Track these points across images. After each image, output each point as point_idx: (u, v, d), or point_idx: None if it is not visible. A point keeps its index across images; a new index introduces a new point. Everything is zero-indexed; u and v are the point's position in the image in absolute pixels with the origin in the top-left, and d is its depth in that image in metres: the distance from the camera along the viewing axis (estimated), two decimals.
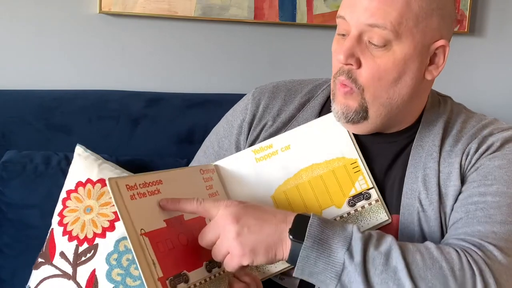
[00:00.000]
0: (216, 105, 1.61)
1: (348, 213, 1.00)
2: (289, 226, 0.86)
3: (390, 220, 1.00)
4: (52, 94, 1.60)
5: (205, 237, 0.89)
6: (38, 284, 1.21)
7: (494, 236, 0.90)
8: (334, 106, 1.01)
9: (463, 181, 0.99)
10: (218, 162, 1.04)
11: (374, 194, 1.01)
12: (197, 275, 0.88)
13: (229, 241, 0.86)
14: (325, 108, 1.11)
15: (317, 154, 1.03)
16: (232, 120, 1.15)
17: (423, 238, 0.97)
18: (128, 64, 1.73)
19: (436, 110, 1.07)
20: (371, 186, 1.01)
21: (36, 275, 1.23)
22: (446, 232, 0.97)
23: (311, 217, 0.87)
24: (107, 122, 1.57)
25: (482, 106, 1.48)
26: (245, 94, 1.19)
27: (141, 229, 0.84)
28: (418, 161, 1.02)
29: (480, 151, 1.00)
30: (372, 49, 0.94)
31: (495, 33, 1.95)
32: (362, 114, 0.98)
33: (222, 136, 1.15)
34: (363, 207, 1.00)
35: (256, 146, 1.04)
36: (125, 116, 1.58)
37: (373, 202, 1.00)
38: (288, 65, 1.82)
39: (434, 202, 0.98)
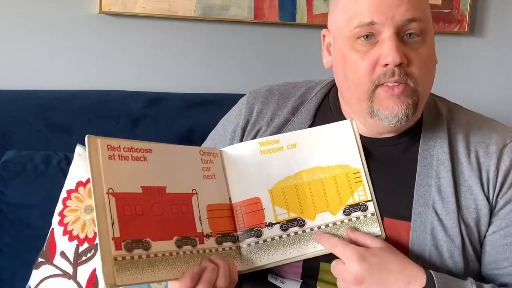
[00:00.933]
0: (216, 105, 1.61)
1: (342, 221, 1.00)
2: None
3: (383, 236, 0.99)
4: (52, 94, 1.60)
5: (334, 268, 0.95)
6: (38, 284, 1.21)
7: None
8: (385, 113, 0.96)
9: (489, 200, 0.99)
10: (224, 148, 1.05)
11: (372, 207, 1.00)
12: (162, 246, 0.88)
13: None
14: (319, 111, 1.10)
15: (322, 158, 1.03)
16: (227, 125, 1.15)
17: (436, 246, 0.97)
18: (128, 64, 1.73)
19: (434, 111, 1.06)
20: (369, 198, 1.01)
21: (36, 275, 1.23)
22: (467, 243, 0.98)
23: None
24: (107, 122, 1.57)
25: (482, 106, 1.48)
26: (245, 94, 1.19)
27: (110, 188, 0.85)
28: (429, 169, 1.01)
29: (503, 168, 0.99)
30: (412, 42, 0.95)
31: (495, 33, 1.95)
32: (415, 110, 0.97)
33: (218, 141, 1.15)
34: (358, 217, 1.00)
35: (263, 139, 1.04)
36: (125, 116, 1.58)
37: (369, 215, 1.00)
38: (288, 65, 1.82)
39: (451, 212, 0.98)
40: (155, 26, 1.73)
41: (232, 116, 1.15)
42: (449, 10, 1.87)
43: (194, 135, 1.58)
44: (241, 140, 1.11)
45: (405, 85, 0.95)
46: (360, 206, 1.00)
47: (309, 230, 0.99)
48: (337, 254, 0.95)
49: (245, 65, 1.80)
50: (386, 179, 1.03)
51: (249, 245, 0.98)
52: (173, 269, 0.88)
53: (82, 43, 1.69)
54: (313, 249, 0.99)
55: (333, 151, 1.03)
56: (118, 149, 0.89)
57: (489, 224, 0.99)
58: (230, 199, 1.00)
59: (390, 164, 1.04)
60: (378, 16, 0.93)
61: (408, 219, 0.99)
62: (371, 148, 1.04)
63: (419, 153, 1.02)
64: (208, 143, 1.18)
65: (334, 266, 0.95)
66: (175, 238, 0.90)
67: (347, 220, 1.00)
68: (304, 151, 1.03)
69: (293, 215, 1.00)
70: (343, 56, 0.98)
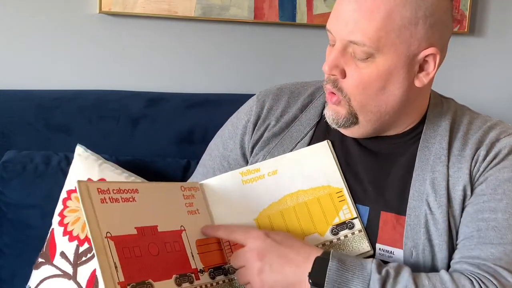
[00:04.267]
0: (216, 105, 1.61)
1: (331, 241, 1.01)
2: (309, 269, 0.89)
3: (372, 252, 1.00)
4: (52, 94, 1.60)
5: (233, 261, 0.96)
6: (38, 284, 1.21)
7: (507, 259, 0.92)
8: (326, 111, 1.05)
9: (472, 188, 1.00)
10: (204, 181, 1.04)
11: (358, 224, 1.01)
12: (164, 286, 0.88)
13: (252, 275, 0.92)
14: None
15: (303, 181, 1.04)
16: (237, 122, 1.16)
17: (429, 239, 0.98)
18: (128, 64, 1.73)
19: (439, 111, 1.07)
20: (355, 216, 1.02)
21: (36, 275, 1.23)
22: (454, 237, 0.98)
23: (330, 259, 0.89)
24: (107, 122, 1.57)
25: (482, 106, 1.48)
26: (245, 94, 1.19)
27: (107, 232, 0.85)
28: (426, 163, 1.02)
29: (488, 158, 1.01)
30: (356, 60, 0.96)
31: (495, 33, 1.95)
32: (352, 119, 1.01)
33: (227, 137, 1.16)
34: (346, 236, 1.01)
35: (243, 169, 1.05)
36: (125, 116, 1.58)
37: (356, 232, 1.01)
38: (288, 65, 1.82)
39: (442, 205, 0.99)
40: (155, 26, 1.73)
41: (242, 113, 1.16)
42: None
43: (194, 135, 1.58)
44: (252, 135, 1.13)
45: (336, 97, 1.00)
46: (347, 224, 1.01)
47: None
48: (239, 238, 0.96)
49: (245, 65, 1.80)
50: (385, 175, 1.04)
51: None
52: None
53: (82, 43, 1.69)
54: None
55: (314, 173, 1.04)
56: (108, 191, 0.89)
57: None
58: None
59: (390, 161, 1.05)
60: (331, 27, 0.97)
61: (404, 213, 1.01)
62: (371, 146, 1.06)
63: (418, 149, 1.04)
64: (216, 141, 1.19)
65: (233, 256, 0.96)
66: (174, 276, 0.90)
67: (335, 240, 1.01)
68: (285, 176, 1.04)
69: None
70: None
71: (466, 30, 1.89)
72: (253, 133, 1.12)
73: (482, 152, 1.01)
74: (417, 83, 0.99)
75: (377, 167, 1.05)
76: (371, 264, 0.90)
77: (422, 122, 1.06)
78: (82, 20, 1.67)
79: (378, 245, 1.01)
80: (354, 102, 0.98)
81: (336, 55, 0.96)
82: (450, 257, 0.98)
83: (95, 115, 1.56)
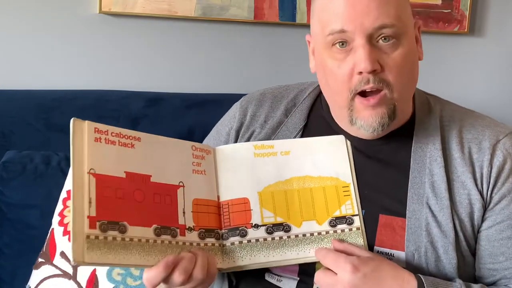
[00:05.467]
0: (216, 105, 1.61)
1: (327, 232, 1.01)
2: None
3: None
4: (52, 94, 1.60)
5: (321, 282, 0.94)
6: (38, 284, 1.21)
7: None
8: (362, 122, 0.99)
9: (483, 197, 1.00)
10: (218, 147, 1.05)
11: (358, 221, 1.01)
12: (139, 231, 0.88)
13: None
14: (313, 112, 1.12)
15: (314, 168, 1.04)
16: (221, 129, 1.16)
17: (431, 242, 0.98)
18: (128, 64, 1.73)
19: (427, 109, 1.07)
20: (356, 213, 1.02)
21: (36, 275, 1.23)
22: (461, 238, 0.99)
23: None
24: (107, 122, 1.53)
25: (482, 106, 1.48)
26: (245, 94, 1.19)
27: (92, 168, 0.86)
28: (422, 166, 1.02)
29: (497, 164, 1.00)
30: (385, 48, 0.95)
31: (495, 33, 1.95)
32: (392, 116, 0.98)
33: (212, 145, 1.16)
34: (343, 230, 1.01)
35: (258, 143, 1.05)
36: (125, 116, 1.58)
37: (354, 229, 1.01)
38: (288, 65, 1.82)
39: (444, 208, 0.99)
40: (155, 26, 1.73)
41: (226, 120, 1.16)
42: (449, 10, 1.87)
43: (193, 135, 1.58)
44: (235, 143, 1.12)
45: (380, 94, 0.96)
46: (346, 219, 1.01)
47: (294, 237, 1.00)
48: (328, 265, 0.94)
49: (245, 65, 1.80)
50: (380, 176, 1.04)
51: (232, 243, 0.98)
52: (148, 256, 0.87)
53: (82, 43, 1.69)
54: (296, 255, 0.99)
55: (326, 163, 1.04)
56: (106, 133, 0.90)
57: (484, 219, 1.00)
58: (218, 197, 1.01)
59: (384, 162, 1.05)
60: (348, 24, 0.93)
61: (403, 215, 1.00)
62: (364, 147, 1.05)
63: (412, 150, 1.04)
64: None
65: (321, 276, 0.95)
66: (154, 226, 0.90)
67: (332, 231, 1.01)
68: (297, 159, 1.04)
69: (279, 220, 1.00)
70: (322, 64, 1.00)
71: (466, 30, 1.89)
72: (236, 140, 1.12)
73: (485, 157, 1.01)
74: (421, 56, 1.02)
75: (372, 170, 1.04)
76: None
77: (411, 121, 1.06)
78: (82, 20, 1.68)
79: (376, 248, 1.00)
80: (395, 93, 0.97)
81: (369, 49, 0.93)
82: (459, 260, 0.98)
83: (95, 115, 1.56)
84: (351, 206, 1.02)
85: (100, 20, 1.69)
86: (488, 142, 1.02)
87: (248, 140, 1.11)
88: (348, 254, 0.96)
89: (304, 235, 1.00)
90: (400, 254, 0.99)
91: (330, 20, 0.95)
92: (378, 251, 1.00)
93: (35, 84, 1.64)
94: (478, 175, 1.00)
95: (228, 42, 1.78)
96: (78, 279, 1.16)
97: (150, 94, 1.64)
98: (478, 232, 1.01)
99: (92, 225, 0.83)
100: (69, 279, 1.16)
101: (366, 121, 0.98)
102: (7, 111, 1.53)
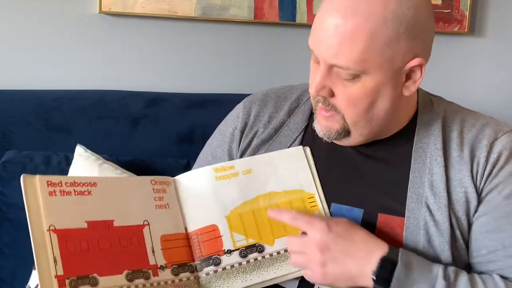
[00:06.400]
0: (216, 105, 1.61)
1: None
2: (373, 267, 0.91)
3: None
4: (52, 94, 1.60)
5: (292, 246, 0.97)
6: (38, 284, 1.21)
7: None
8: (316, 125, 1.03)
9: (477, 192, 1.00)
10: (177, 177, 1.03)
11: None
12: (111, 281, 0.86)
13: (314, 266, 0.94)
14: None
15: (277, 183, 1.03)
16: (225, 129, 1.16)
17: (429, 241, 0.98)
18: (128, 64, 1.73)
19: (430, 110, 1.07)
20: None
21: (36, 275, 1.23)
22: (458, 237, 0.99)
23: (398, 263, 0.91)
24: (107, 122, 1.57)
25: (482, 106, 1.48)
26: (245, 94, 1.19)
27: (51, 225, 0.84)
28: (422, 166, 1.02)
29: (491, 161, 1.00)
30: (342, 80, 0.94)
31: (495, 33, 1.95)
32: (343, 133, 1.00)
33: (215, 146, 1.15)
34: None
35: (218, 165, 1.04)
36: (125, 116, 1.58)
37: None
38: (288, 65, 1.82)
39: (442, 207, 0.99)
40: (155, 26, 1.73)
41: (229, 120, 1.16)
42: (449, 10, 1.88)
43: (194, 135, 1.58)
44: (240, 143, 1.12)
45: (331, 113, 0.98)
46: None
47: (268, 256, 0.98)
48: (301, 226, 0.96)
49: (245, 65, 1.80)
50: (380, 176, 1.04)
51: (207, 274, 0.96)
52: None
53: (82, 43, 1.69)
54: (274, 274, 0.98)
55: (289, 176, 1.04)
56: (60, 184, 0.88)
57: (475, 213, 1.01)
58: (186, 228, 0.98)
59: (384, 161, 1.05)
60: (315, 49, 0.96)
61: (402, 215, 1.00)
62: (363, 146, 1.05)
63: (413, 150, 1.04)
64: (205, 150, 1.19)
65: (291, 240, 0.97)
66: (125, 272, 0.88)
67: None
68: (259, 176, 1.03)
69: (251, 241, 0.99)
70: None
71: (466, 30, 1.89)
72: (241, 140, 1.12)
73: (482, 153, 1.01)
74: (406, 92, 0.98)
75: (372, 169, 1.04)
76: (437, 271, 0.92)
77: (413, 121, 1.06)
78: (82, 20, 1.68)
79: None
80: (347, 118, 0.98)
81: (321, 76, 0.95)
82: (454, 258, 0.98)
83: (95, 115, 1.57)
84: (320, 216, 1.01)
85: (100, 20, 1.69)
86: (487, 140, 1.02)
87: (252, 139, 1.11)
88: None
89: (278, 252, 0.99)
90: None
91: (310, 35, 0.97)
92: None
93: (35, 84, 1.64)
94: (474, 171, 1.01)
95: (228, 42, 1.78)
96: None
97: (150, 94, 1.64)
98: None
99: (61, 284, 0.81)
100: None
101: (316, 127, 1.03)
102: (7, 111, 1.53)
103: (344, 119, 0.98)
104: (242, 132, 1.12)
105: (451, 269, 0.94)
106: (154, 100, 1.62)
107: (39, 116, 1.54)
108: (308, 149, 1.07)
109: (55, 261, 0.82)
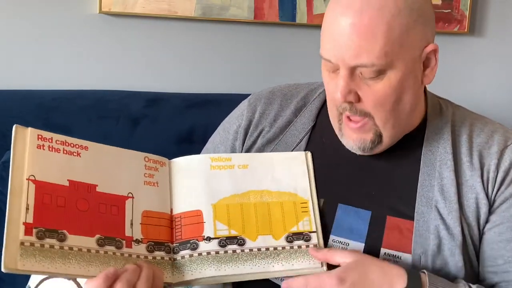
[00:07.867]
0: (216, 105, 1.61)
1: (283, 247, 0.99)
2: None
3: (324, 268, 0.98)
4: (52, 94, 1.60)
5: (308, 284, 0.91)
6: (38, 284, 1.21)
7: None
8: (346, 141, 1.01)
9: (489, 201, 1.00)
10: (174, 159, 1.04)
11: (315, 238, 1.00)
12: (80, 241, 0.86)
13: None
14: (322, 112, 1.11)
15: (272, 183, 1.03)
16: (228, 126, 1.15)
17: (439, 245, 0.97)
18: (128, 64, 1.73)
19: (438, 113, 1.06)
20: (314, 230, 1.01)
21: (36, 275, 1.23)
22: (469, 242, 0.99)
23: None
24: (107, 122, 1.57)
25: (482, 106, 1.49)
26: (245, 94, 1.19)
27: (31, 175, 0.84)
28: (432, 169, 1.01)
29: (503, 168, 1.00)
30: (367, 80, 0.93)
31: (495, 33, 1.95)
32: (377, 140, 0.99)
33: (218, 142, 1.15)
34: (299, 246, 0.99)
35: (215, 155, 1.05)
36: (125, 116, 1.58)
37: (311, 245, 1.00)
38: (288, 65, 1.82)
39: (453, 211, 0.98)
40: (155, 26, 1.73)
41: (234, 117, 1.15)
42: (449, 10, 1.88)
43: (194, 135, 1.58)
44: (244, 141, 1.11)
45: (363, 121, 0.97)
46: (304, 236, 1.00)
47: (248, 251, 0.97)
48: (314, 286, 0.92)
49: (245, 65, 1.80)
50: (389, 178, 1.03)
51: (183, 257, 0.95)
52: (88, 266, 0.85)
53: (82, 43, 1.69)
54: (250, 269, 0.96)
55: (285, 178, 1.04)
56: (50, 140, 0.89)
57: (486, 221, 1.00)
58: (172, 210, 0.99)
59: (393, 164, 1.04)
60: (332, 57, 0.93)
61: (411, 218, 1.00)
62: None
63: (422, 153, 1.03)
64: (208, 146, 1.18)
65: (310, 279, 0.92)
66: (97, 236, 0.88)
67: (288, 247, 0.99)
68: (255, 173, 1.03)
69: (234, 233, 0.98)
70: (322, 70, 1.00)
71: (466, 30, 1.90)
72: (245, 138, 1.11)
73: (493, 161, 1.01)
74: (426, 81, 0.98)
75: (380, 171, 1.04)
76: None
77: (422, 124, 1.06)
78: (82, 20, 1.68)
79: (383, 250, 0.99)
80: (377, 119, 0.96)
81: (346, 81, 0.93)
82: (466, 263, 0.98)
83: (95, 115, 1.57)
84: (309, 222, 1.01)
85: (100, 20, 1.69)
86: (497, 147, 1.02)
87: (257, 138, 1.11)
88: (330, 262, 0.95)
89: (259, 249, 0.98)
90: (407, 256, 0.98)
91: (322, 45, 0.96)
92: (385, 252, 0.99)
93: (35, 84, 1.65)
94: (485, 178, 1.00)
95: (228, 42, 1.79)
96: (78, 279, 1.15)
97: (150, 94, 1.64)
98: (482, 235, 1.01)
99: (27, 232, 0.81)
100: (69, 279, 1.16)
101: (347, 143, 1.01)
102: (7, 111, 1.53)
103: (374, 123, 0.97)
104: (246, 130, 1.12)
105: (474, 286, 0.93)
106: (154, 100, 1.62)
107: (39, 116, 1.54)
108: (309, 155, 1.06)
109: (27, 208, 0.82)
